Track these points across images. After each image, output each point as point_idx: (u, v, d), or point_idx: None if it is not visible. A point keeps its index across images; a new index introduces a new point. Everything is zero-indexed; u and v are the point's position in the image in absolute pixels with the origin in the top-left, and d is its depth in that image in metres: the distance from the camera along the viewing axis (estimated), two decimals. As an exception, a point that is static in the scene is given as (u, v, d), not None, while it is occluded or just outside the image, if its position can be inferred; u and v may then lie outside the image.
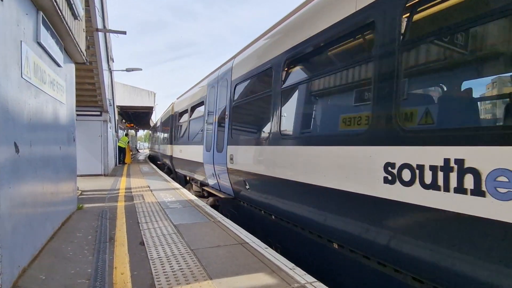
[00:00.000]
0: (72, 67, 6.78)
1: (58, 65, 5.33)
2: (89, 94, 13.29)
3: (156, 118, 35.82)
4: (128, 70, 15.56)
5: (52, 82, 5.02)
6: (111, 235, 5.02)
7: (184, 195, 8.83)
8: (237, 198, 6.77)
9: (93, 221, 5.97)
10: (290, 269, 3.59)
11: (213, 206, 8.11)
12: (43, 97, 4.49)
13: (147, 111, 28.26)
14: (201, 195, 9.84)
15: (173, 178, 13.98)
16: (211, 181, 8.35)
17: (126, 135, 21.92)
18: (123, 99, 21.52)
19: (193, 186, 10.92)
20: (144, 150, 72.19)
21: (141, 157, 34.39)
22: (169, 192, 9.37)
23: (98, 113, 14.24)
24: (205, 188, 9.04)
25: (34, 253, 3.94)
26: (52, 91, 5.03)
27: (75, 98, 7.27)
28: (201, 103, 9.62)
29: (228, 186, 6.95)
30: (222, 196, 7.25)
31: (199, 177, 9.69)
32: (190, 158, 10.19)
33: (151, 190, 9.68)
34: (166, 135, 16.79)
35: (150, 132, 31.13)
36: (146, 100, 22.21)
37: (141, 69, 15.71)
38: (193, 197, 8.50)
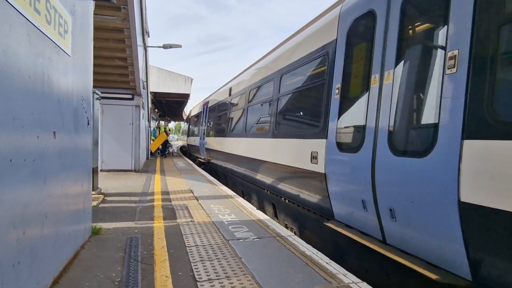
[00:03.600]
0: None
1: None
2: (120, 72, 10.92)
3: (187, 109, 33.78)
4: (165, 46, 13.13)
5: (42, 5, 2.41)
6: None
7: (245, 208, 6.12)
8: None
9: (116, 266, 3.37)
10: None
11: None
12: (15, 29, 1.90)
13: (181, 100, 26.02)
14: None
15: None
16: None
17: (165, 128, 20.67)
18: (158, 84, 19.25)
19: None
20: (173, 142, 71.23)
21: (171, 150, 32.33)
22: (222, 202, 6.71)
23: (130, 96, 11.89)
24: None
25: None
26: (40, 20, 2.43)
27: (102, 76, 4.73)
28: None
29: None
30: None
31: None
32: None
33: (197, 198, 7.06)
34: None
35: (186, 122, 29.64)
36: (182, 86, 19.83)
37: (180, 46, 13.25)
38: (259, 213, 5.79)
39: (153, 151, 19.40)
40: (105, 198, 6.89)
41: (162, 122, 38.14)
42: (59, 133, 2.97)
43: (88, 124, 4.15)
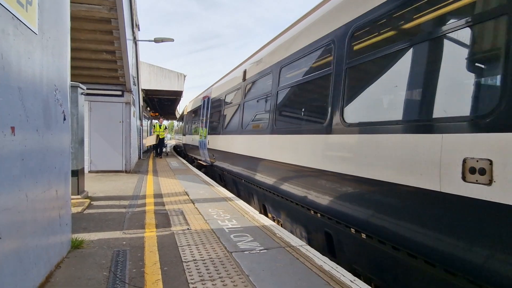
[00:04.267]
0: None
1: None
2: (108, 66, 10.23)
3: (180, 107, 32.97)
4: (156, 40, 12.46)
5: None
6: None
7: (247, 213, 5.55)
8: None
9: (96, 291, 2.77)
10: None
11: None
12: None
13: (173, 98, 25.30)
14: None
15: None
16: None
17: (160, 126, 18.69)
18: (149, 81, 18.51)
19: None
20: (166, 141, 70.18)
21: (166, 150, 31.51)
22: (221, 206, 6.12)
23: (119, 92, 11.20)
24: None
25: None
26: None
27: (76, 70, 4.07)
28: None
29: None
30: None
31: None
32: None
33: (193, 201, 6.46)
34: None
35: (180, 121, 26.73)
36: (175, 83, 19.11)
37: (172, 40, 12.58)
38: (263, 218, 5.22)
39: (146, 146, 18.87)
40: (92, 202, 6.25)
41: (156, 121, 37.31)
42: (20, 129, 2.36)
43: (65, 119, 3.53)
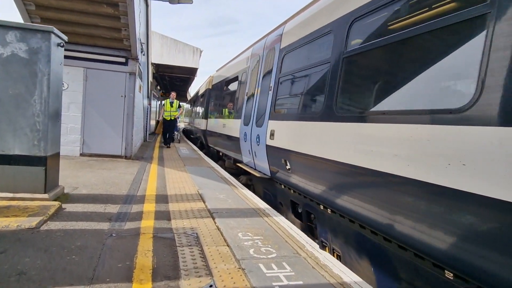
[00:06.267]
0: None
1: None
2: (109, 24, 8.08)
3: (192, 90, 30.78)
4: (171, 1, 10.26)
5: None
6: None
7: (302, 246, 3.43)
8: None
9: None
10: None
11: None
12: None
13: (186, 77, 23.12)
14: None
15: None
16: None
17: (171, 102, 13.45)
18: (161, 55, 16.33)
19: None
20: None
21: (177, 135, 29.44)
22: (255, 225, 4.00)
23: (123, 60, 9.07)
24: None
25: None
26: None
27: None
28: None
29: None
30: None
31: None
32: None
33: (212, 214, 4.36)
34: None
35: (194, 101, 19.89)
36: (190, 59, 16.89)
37: (191, 2, 10.39)
38: (332, 259, 3.11)
39: (156, 132, 15.18)
40: (63, 207, 4.20)
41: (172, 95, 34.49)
42: None
43: None
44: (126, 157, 9.18)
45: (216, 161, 10.90)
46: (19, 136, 4.16)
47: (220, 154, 10.92)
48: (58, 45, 4.47)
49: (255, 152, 6.64)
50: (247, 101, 7.55)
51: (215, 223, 4.04)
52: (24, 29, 4.12)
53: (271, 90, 6.02)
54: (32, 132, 4.20)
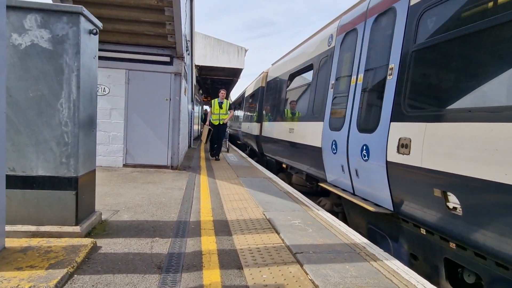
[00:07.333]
0: None
1: None
2: (152, 18, 7.17)
3: (236, 91, 29.93)
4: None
5: None
6: None
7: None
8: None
9: None
10: None
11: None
12: None
13: (229, 80, 22.27)
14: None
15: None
16: None
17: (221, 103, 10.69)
18: (204, 56, 15.51)
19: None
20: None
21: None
22: (360, 272, 2.64)
23: (167, 59, 8.16)
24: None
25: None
26: None
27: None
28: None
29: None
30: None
31: None
32: None
33: (295, 256, 3.08)
34: None
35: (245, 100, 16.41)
36: (234, 59, 15.91)
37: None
38: None
39: (204, 141, 11.70)
40: (97, 247, 3.14)
41: (206, 107, 33.07)
42: None
43: None
44: (172, 167, 8.24)
45: (275, 172, 9.03)
46: (43, 151, 3.18)
47: (284, 166, 8.67)
48: (90, 32, 3.46)
49: (356, 171, 4.56)
50: (333, 95, 5.42)
51: (306, 273, 2.74)
52: (46, 11, 3.13)
53: (391, 74, 3.90)
54: (59, 146, 3.20)
